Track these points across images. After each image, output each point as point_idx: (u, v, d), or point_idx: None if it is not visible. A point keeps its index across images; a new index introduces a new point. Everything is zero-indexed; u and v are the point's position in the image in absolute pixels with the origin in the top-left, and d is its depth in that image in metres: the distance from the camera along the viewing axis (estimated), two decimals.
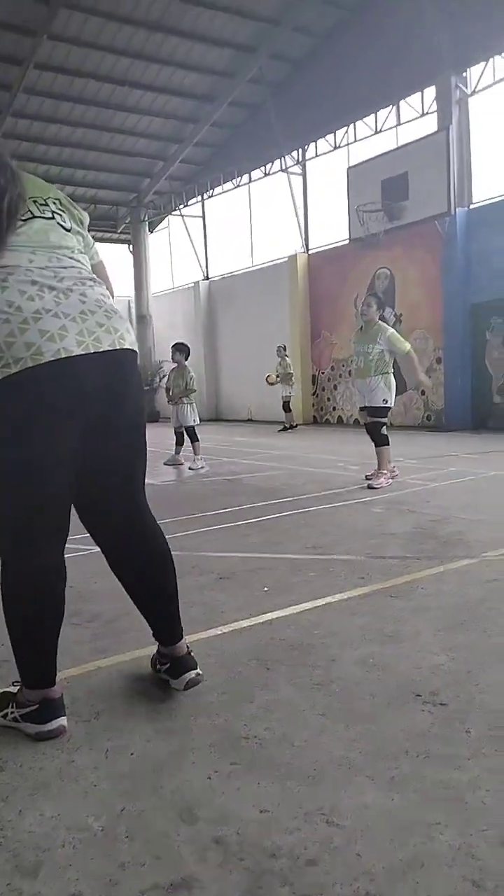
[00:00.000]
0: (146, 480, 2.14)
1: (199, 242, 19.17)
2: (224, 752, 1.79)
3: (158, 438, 9.84)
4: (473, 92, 11.76)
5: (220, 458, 8.89)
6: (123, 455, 2.00)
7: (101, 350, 1.82)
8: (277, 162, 15.67)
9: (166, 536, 2.16)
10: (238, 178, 16.98)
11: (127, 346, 1.91)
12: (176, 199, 18.86)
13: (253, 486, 6.48)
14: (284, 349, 13.87)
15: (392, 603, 2.91)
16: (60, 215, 1.98)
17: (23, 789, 1.67)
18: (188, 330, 18.71)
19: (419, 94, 12.46)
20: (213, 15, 13.11)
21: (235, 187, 17.33)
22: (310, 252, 15.52)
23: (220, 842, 1.44)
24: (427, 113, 12.39)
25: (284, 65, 14.76)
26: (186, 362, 8.44)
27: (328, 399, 15.24)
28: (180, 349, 8.42)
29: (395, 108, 13.02)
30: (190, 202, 18.98)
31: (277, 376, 13.48)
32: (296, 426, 13.94)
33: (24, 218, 1.85)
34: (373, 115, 13.40)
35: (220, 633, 2.60)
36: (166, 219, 20.21)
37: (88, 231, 2.15)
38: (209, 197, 18.50)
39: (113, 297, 2.12)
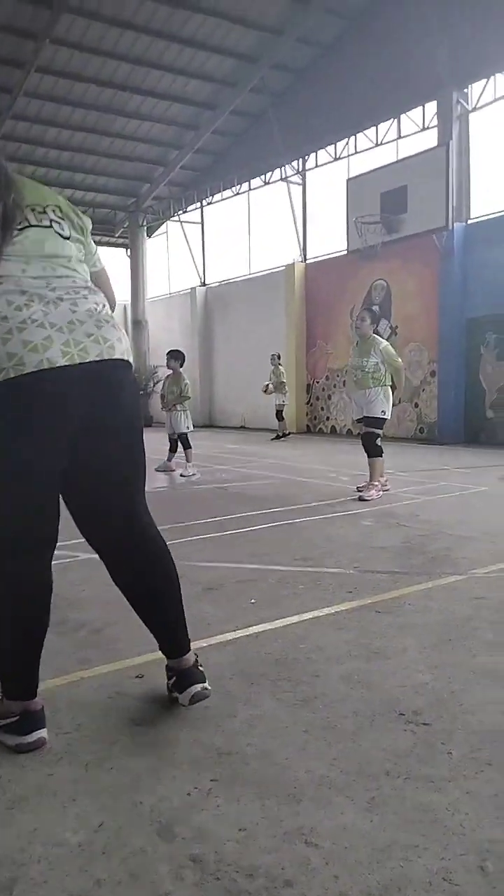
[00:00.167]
0: None
1: (196, 249, 19.21)
2: (205, 767, 1.78)
3: (150, 444, 9.78)
4: (474, 108, 11.85)
5: (212, 465, 8.88)
6: (122, 456, 1.99)
7: (88, 360, 1.81)
8: (277, 171, 15.72)
9: None
10: (238, 186, 17.02)
11: (117, 356, 1.90)
12: (175, 204, 18.89)
13: (244, 494, 6.47)
14: (278, 357, 13.90)
15: (379, 618, 2.91)
16: (59, 223, 1.96)
17: (1, 802, 1.65)
18: (184, 335, 18.73)
19: (420, 108, 12.54)
20: (217, 23, 13.14)
21: (235, 195, 17.36)
22: (307, 262, 15.57)
23: (197, 860, 1.44)
24: (428, 127, 12.47)
25: (287, 75, 14.81)
26: (181, 369, 8.44)
27: (322, 408, 15.26)
28: (175, 356, 8.41)
29: (396, 121, 13.10)
30: (189, 208, 19.00)
31: (272, 385, 13.52)
32: (289, 434, 13.96)
33: (20, 227, 1.84)
34: (373, 128, 13.47)
35: (205, 645, 2.59)
36: (165, 224, 20.24)
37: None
38: (208, 204, 18.52)
39: (114, 306, 2.12)
